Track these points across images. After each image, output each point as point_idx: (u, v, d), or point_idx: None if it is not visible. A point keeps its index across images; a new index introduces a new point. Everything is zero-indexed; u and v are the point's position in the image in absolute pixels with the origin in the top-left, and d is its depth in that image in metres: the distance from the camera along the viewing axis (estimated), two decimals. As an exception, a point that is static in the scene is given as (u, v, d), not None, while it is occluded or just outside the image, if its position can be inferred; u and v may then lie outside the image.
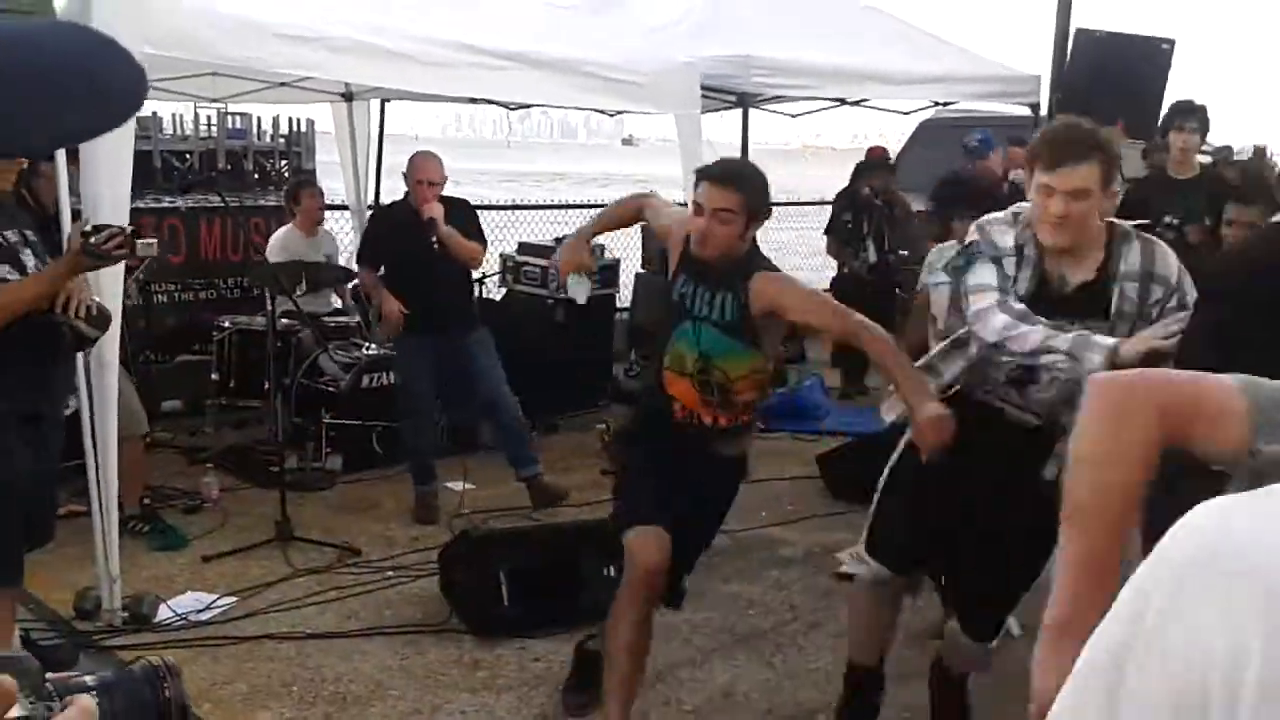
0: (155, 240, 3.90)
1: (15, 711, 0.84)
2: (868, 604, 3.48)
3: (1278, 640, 0.63)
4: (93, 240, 3.26)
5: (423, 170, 5.47)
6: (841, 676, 3.58)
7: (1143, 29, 7.43)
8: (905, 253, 7.73)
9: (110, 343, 4.00)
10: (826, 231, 8.58)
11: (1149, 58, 7.20)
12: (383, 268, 5.71)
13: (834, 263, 8.59)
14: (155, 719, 0.93)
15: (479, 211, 6.13)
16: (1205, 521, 0.71)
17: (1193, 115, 5.93)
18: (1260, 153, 8.24)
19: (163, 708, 0.93)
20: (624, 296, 8.42)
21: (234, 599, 4.51)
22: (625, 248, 9.03)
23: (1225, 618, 0.65)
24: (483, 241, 5.83)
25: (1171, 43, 7.28)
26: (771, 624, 4.55)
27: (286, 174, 7.91)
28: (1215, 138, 6.17)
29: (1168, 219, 5.58)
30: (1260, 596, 0.64)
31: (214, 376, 6.52)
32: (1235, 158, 7.56)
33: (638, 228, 9.75)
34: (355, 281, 7.03)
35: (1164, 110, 6.58)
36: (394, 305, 5.51)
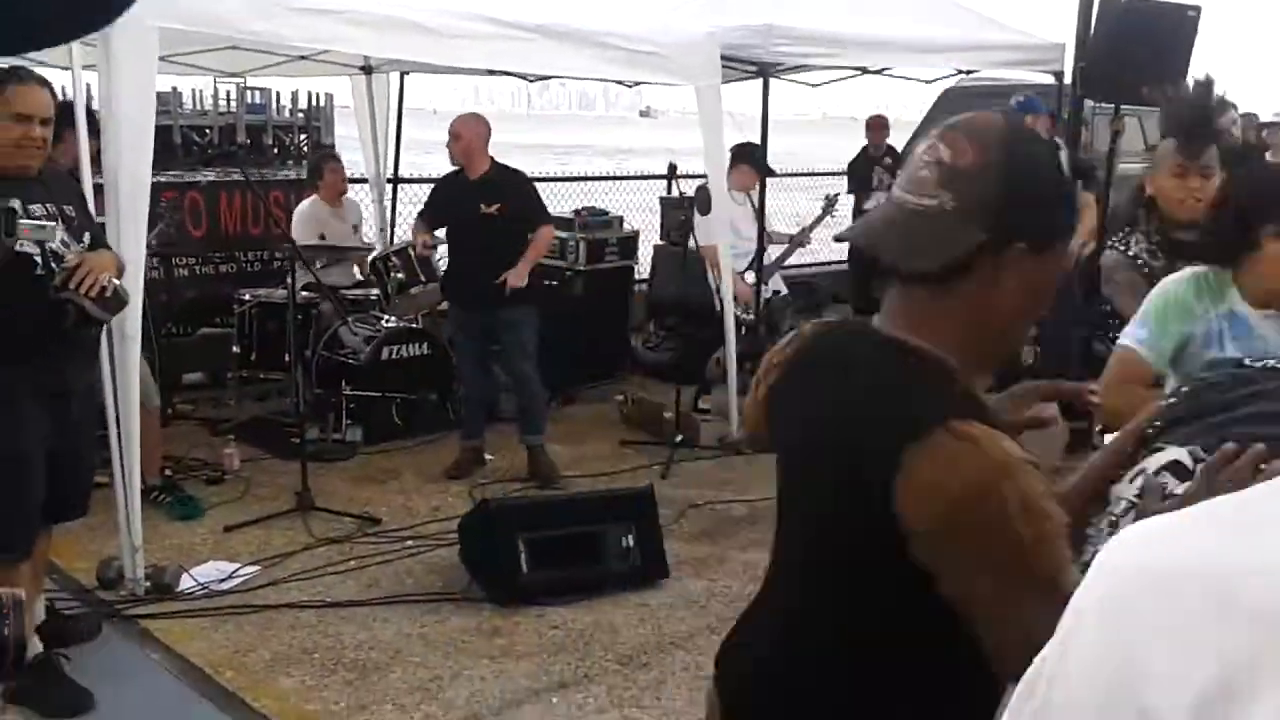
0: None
1: None
2: None
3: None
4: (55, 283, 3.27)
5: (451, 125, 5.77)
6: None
7: (1168, -5, 7.25)
8: None
9: (132, 316, 4.02)
10: None
11: (1175, 24, 7.09)
12: (444, 232, 5.93)
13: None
14: None
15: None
16: (1140, 537, 0.67)
17: None
18: None
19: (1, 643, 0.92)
20: (642, 269, 8.40)
21: (256, 568, 4.56)
22: (644, 223, 9.01)
23: (1165, 635, 0.60)
24: (544, 217, 5.85)
25: (1198, 9, 7.16)
26: (790, 593, 4.55)
27: (306, 148, 7.91)
28: (1240, 105, 6.08)
29: None
30: (1213, 610, 0.59)
31: (235, 349, 6.56)
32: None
33: (656, 199, 9.69)
34: (375, 254, 7.06)
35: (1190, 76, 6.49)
36: (422, 237, 5.96)
